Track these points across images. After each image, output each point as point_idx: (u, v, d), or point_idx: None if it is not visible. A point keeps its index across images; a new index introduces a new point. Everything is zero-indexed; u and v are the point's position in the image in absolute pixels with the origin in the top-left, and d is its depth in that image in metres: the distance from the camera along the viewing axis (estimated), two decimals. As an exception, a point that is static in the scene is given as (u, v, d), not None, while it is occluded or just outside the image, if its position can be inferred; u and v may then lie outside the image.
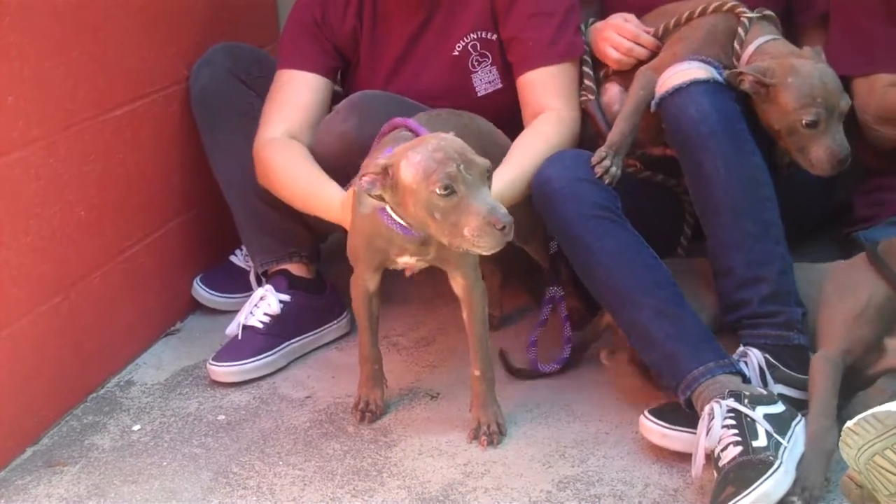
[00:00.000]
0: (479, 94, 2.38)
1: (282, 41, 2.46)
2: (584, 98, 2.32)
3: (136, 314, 2.46)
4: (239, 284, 2.65)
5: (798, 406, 1.94)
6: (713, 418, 1.83)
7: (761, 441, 1.79)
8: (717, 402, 1.85)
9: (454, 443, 2.07)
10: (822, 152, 2.08)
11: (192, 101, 2.53)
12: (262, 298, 2.42)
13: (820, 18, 2.40)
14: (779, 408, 1.87)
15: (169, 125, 2.54)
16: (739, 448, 1.78)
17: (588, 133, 2.32)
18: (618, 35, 2.30)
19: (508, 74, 2.37)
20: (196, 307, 2.67)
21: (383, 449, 2.07)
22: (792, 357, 2.00)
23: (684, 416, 1.93)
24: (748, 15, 2.21)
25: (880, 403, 1.68)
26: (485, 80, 2.38)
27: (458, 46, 2.37)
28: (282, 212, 2.44)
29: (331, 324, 2.51)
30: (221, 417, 2.22)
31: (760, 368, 1.98)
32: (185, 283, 2.64)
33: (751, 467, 1.75)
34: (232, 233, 2.58)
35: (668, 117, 2.09)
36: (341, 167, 2.18)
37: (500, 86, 2.39)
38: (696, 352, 1.94)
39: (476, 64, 2.37)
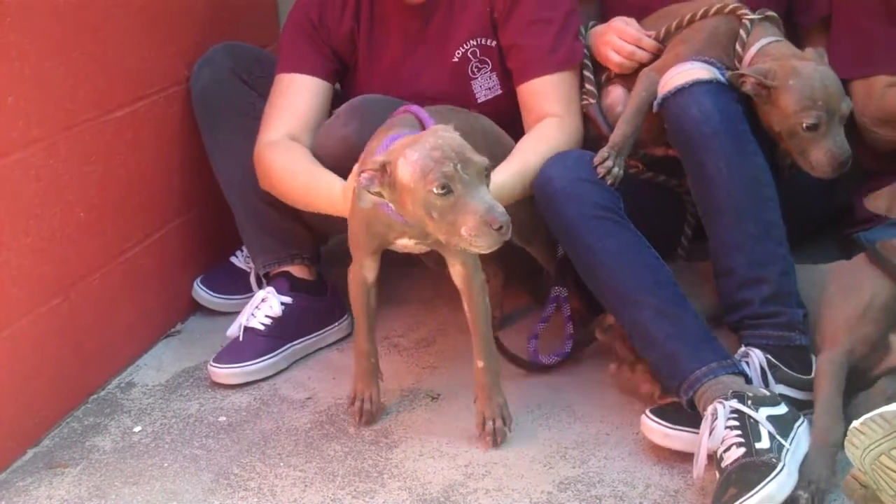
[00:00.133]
0: (478, 101, 2.38)
1: (281, 44, 2.46)
2: (585, 102, 2.32)
3: (136, 315, 2.46)
4: (239, 286, 2.65)
5: (800, 406, 1.94)
6: (716, 419, 1.83)
7: (764, 443, 1.78)
8: (720, 402, 1.85)
9: (455, 444, 2.07)
10: (822, 155, 2.08)
11: (193, 101, 2.52)
12: (263, 300, 2.42)
13: (821, 21, 2.40)
14: (781, 409, 1.86)
15: (169, 126, 2.54)
16: (742, 449, 1.78)
17: (590, 135, 2.32)
18: (619, 39, 2.30)
19: (508, 80, 2.36)
20: (196, 308, 2.66)
21: (384, 450, 2.07)
22: (793, 357, 2.00)
23: (686, 415, 1.93)
24: (750, 17, 2.21)
25: (883, 403, 1.68)
26: (484, 87, 2.38)
27: (458, 53, 2.36)
28: (283, 213, 2.44)
29: (332, 326, 2.51)
30: (222, 419, 2.21)
31: (762, 369, 1.98)
32: (186, 284, 2.64)
33: (754, 469, 1.75)
34: (232, 234, 2.58)
35: (671, 117, 2.09)
36: (342, 171, 2.18)
37: (499, 92, 2.38)
38: (698, 352, 1.94)
39: (476, 70, 2.37)
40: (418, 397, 2.25)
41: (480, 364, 2.04)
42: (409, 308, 2.65)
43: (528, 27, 2.29)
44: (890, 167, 2.36)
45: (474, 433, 2.10)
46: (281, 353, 2.39)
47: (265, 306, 2.41)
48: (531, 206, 2.13)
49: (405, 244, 2.01)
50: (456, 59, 2.37)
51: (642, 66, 2.27)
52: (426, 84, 2.37)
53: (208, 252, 2.69)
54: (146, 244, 2.49)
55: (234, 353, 2.36)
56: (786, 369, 1.99)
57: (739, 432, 1.80)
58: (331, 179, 2.19)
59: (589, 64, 2.35)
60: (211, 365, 2.35)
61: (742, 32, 2.20)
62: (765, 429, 1.81)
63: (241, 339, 2.37)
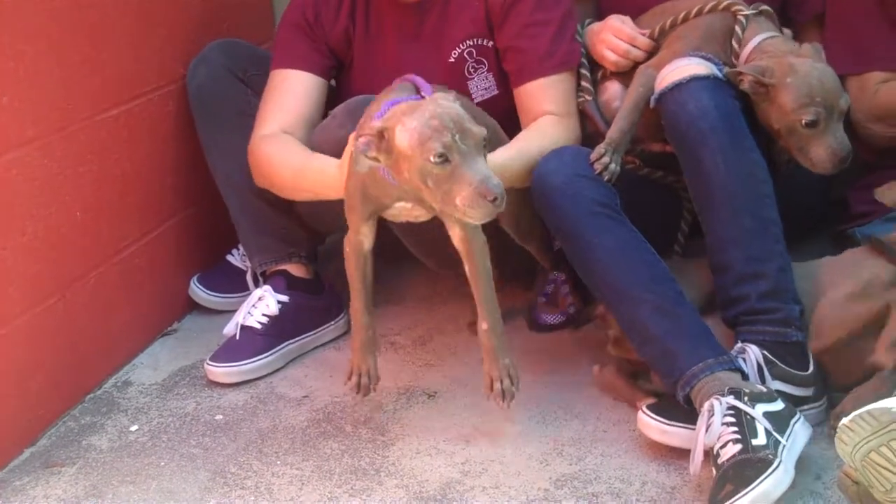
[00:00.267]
0: (475, 101, 2.37)
1: (276, 41, 2.46)
2: (581, 99, 2.32)
3: (132, 314, 2.46)
4: (236, 284, 2.65)
5: (796, 403, 1.94)
6: (713, 415, 1.83)
7: (761, 439, 1.78)
8: (716, 399, 1.85)
9: (452, 442, 2.07)
10: (822, 151, 2.08)
11: (190, 99, 2.52)
12: (260, 299, 2.42)
13: (815, 18, 2.40)
14: (778, 405, 1.87)
15: (165, 125, 2.54)
16: (739, 446, 1.78)
17: (586, 132, 2.32)
18: (615, 37, 2.30)
19: (505, 81, 2.36)
20: (193, 307, 2.66)
21: (381, 448, 2.07)
22: (790, 354, 2.00)
23: (683, 412, 1.93)
24: (744, 12, 2.21)
25: (874, 400, 1.68)
26: (481, 87, 2.38)
27: (454, 53, 2.36)
28: (280, 211, 2.44)
29: (329, 324, 2.51)
30: (219, 417, 2.21)
31: (758, 365, 1.98)
32: (182, 283, 2.64)
33: (750, 466, 1.75)
34: (229, 232, 2.58)
35: (668, 113, 2.09)
36: None
37: (496, 92, 2.38)
38: (695, 348, 1.94)
39: (472, 71, 2.37)
40: (415, 395, 2.25)
41: (485, 326, 2.00)
42: (406, 307, 2.65)
43: (525, 29, 2.29)
44: (884, 162, 2.37)
45: (471, 431, 2.10)
46: (277, 351, 2.39)
47: (262, 305, 2.41)
48: (530, 203, 2.13)
49: (402, 208, 1.98)
50: (452, 60, 2.36)
51: (637, 64, 2.27)
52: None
53: (204, 251, 2.69)
54: (142, 243, 2.48)
55: (230, 351, 2.36)
56: (782, 365, 1.99)
57: (736, 429, 1.80)
58: (324, 160, 2.18)
59: (585, 62, 2.35)
60: (207, 364, 2.35)
61: (737, 28, 2.20)
62: (761, 425, 1.81)
63: (237, 337, 2.37)
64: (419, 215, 2.02)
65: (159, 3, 2.52)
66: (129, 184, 2.43)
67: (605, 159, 2.08)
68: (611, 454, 2.00)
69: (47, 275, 2.17)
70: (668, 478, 1.91)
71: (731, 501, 1.72)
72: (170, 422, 2.21)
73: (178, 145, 2.58)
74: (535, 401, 2.19)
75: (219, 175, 2.51)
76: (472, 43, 2.35)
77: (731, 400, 1.84)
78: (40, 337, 2.15)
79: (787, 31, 2.31)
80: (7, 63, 2.04)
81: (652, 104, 2.13)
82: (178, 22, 2.59)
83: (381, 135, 1.82)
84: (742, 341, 2.02)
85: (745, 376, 1.93)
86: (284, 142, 2.29)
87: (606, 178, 2.08)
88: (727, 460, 1.78)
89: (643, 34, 2.29)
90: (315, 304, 2.48)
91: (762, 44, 2.18)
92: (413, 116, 1.79)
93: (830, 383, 2.04)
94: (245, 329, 2.38)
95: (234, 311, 2.44)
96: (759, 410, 1.83)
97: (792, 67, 2.09)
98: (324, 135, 2.29)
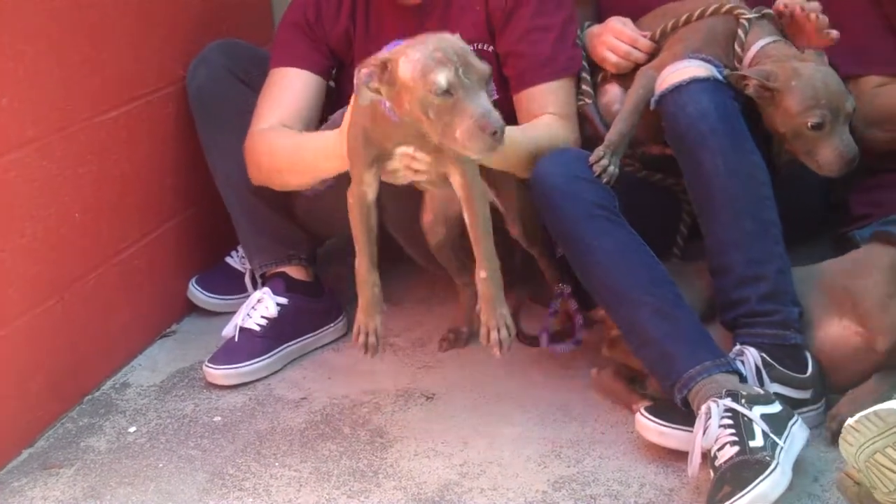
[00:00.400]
0: None
1: (275, 40, 2.45)
2: (581, 102, 2.32)
3: (131, 316, 2.46)
4: (234, 286, 2.64)
5: (794, 405, 1.94)
6: (710, 418, 1.83)
7: (758, 441, 1.78)
8: (713, 401, 1.85)
9: (450, 443, 2.07)
10: (829, 154, 2.09)
11: (190, 100, 2.52)
12: (259, 301, 2.42)
13: None
14: (776, 408, 1.86)
15: (164, 126, 2.54)
16: (736, 448, 1.78)
17: (586, 134, 2.32)
18: (615, 39, 2.30)
19: (505, 85, 2.35)
20: (191, 309, 2.66)
21: (379, 450, 2.07)
22: (788, 356, 2.00)
23: (681, 413, 1.93)
24: (747, 16, 2.21)
25: (871, 402, 1.68)
26: None
27: None
28: (280, 212, 2.44)
29: (328, 326, 2.51)
30: (217, 419, 2.21)
31: (757, 367, 1.98)
32: (181, 284, 2.64)
33: (747, 467, 1.75)
34: (227, 234, 2.58)
35: (668, 115, 2.09)
36: (339, 184, 2.16)
37: (495, 97, 2.36)
38: (693, 351, 1.94)
39: None
40: (413, 397, 2.25)
41: (483, 274, 1.97)
42: (405, 308, 2.65)
43: (526, 34, 2.28)
44: (884, 165, 2.37)
45: (470, 433, 2.10)
46: (276, 354, 2.39)
47: (261, 307, 2.41)
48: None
49: (403, 157, 1.96)
50: None
51: (639, 65, 2.27)
52: None
53: (203, 252, 2.69)
54: (141, 244, 2.49)
55: (229, 353, 2.36)
56: (781, 368, 1.99)
57: (733, 431, 1.80)
58: (323, 133, 2.17)
59: (585, 64, 2.34)
60: (206, 366, 2.35)
61: (740, 32, 2.20)
62: (759, 427, 1.81)
63: (236, 339, 2.37)
64: (419, 170, 1.98)
65: (159, 5, 2.52)
66: (129, 185, 2.43)
67: (604, 161, 2.08)
68: (609, 456, 2.00)
69: (46, 276, 2.17)
70: (667, 480, 1.91)
71: (728, 503, 1.72)
72: (168, 423, 2.21)
73: (177, 147, 2.58)
74: (533, 403, 2.19)
75: (219, 176, 2.51)
76: (473, 48, 2.34)
77: (728, 402, 1.84)
78: (39, 338, 2.15)
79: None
80: (7, 63, 2.05)
81: (652, 106, 2.13)
82: (178, 23, 2.59)
83: (384, 66, 1.80)
84: (741, 344, 2.02)
85: (742, 379, 1.93)
86: (282, 131, 2.28)
87: (605, 180, 2.08)
88: (725, 462, 1.78)
89: (644, 35, 2.29)
90: (314, 307, 2.48)
91: (765, 48, 2.18)
92: (417, 49, 1.79)
93: (830, 385, 2.04)
94: (244, 331, 2.38)
95: (232, 313, 2.44)
96: (756, 412, 1.83)
97: (796, 71, 2.09)
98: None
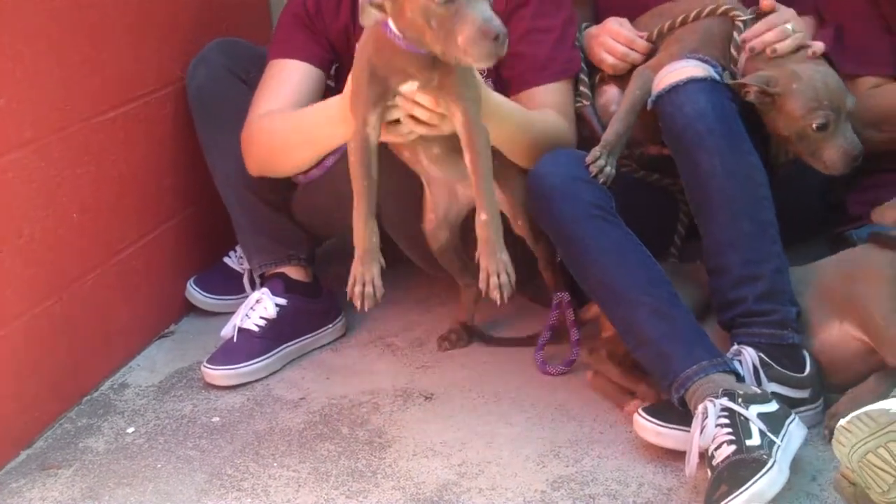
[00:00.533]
0: None
1: (275, 32, 2.43)
2: (579, 104, 2.32)
3: (129, 316, 2.46)
4: (233, 286, 2.65)
5: (792, 404, 1.94)
6: (707, 417, 1.83)
7: (755, 440, 1.78)
8: (710, 401, 1.85)
9: (448, 443, 2.07)
10: (835, 153, 2.10)
11: (190, 100, 2.52)
12: (258, 301, 2.41)
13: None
14: (772, 406, 1.87)
15: (162, 127, 2.54)
16: (733, 447, 1.78)
17: (583, 134, 2.32)
18: (613, 40, 2.30)
19: (504, 87, 2.35)
20: (190, 309, 2.67)
21: (378, 450, 2.07)
22: (786, 356, 2.00)
23: (678, 413, 1.93)
24: (742, 18, 2.21)
25: (870, 401, 1.68)
26: None
27: None
28: (280, 212, 2.44)
29: (327, 327, 2.51)
30: (216, 419, 2.21)
31: (754, 367, 1.98)
32: (179, 285, 2.64)
33: (744, 466, 1.75)
34: (226, 235, 2.58)
35: (665, 115, 2.09)
36: (336, 189, 2.15)
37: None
38: (690, 350, 1.94)
39: None
40: (412, 397, 2.25)
41: (483, 217, 1.95)
42: (403, 308, 2.65)
43: (527, 35, 2.27)
44: (880, 165, 2.37)
45: (468, 433, 2.10)
46: (274, 354, 2.39)
47: (260, 307, 2.41)
48: None
49: (409, 91, 1.94)
50: None
51: (635, 66, 2.27)
52: None
53: (201, 253, 2.69)
54: (139, 245, 2.49)
55: (227, 354, 2.36)
56: (778, 367, 1.99)
57: (730, 430, 1.80)
58: (324, 101, 2.17)
59: (583, 66, 2.35)
60: (204, 366, 2.35)
61: (736, 34, 2.21)
62: (755, 426, 1.81)
63: (234, 340, 2.37)
64: (422, 119, 1.97)
65: (157, 5, 2.52)
66: (127, 186, 2.43)
67: (601, 162, 2.08)
68: (607, 456, 2.00)
69: (44, 277, 2.17)
70: (665, 479, 1.91)
71: (725, 501, 1.72)
72: (166, 424, 2.21)
73: (175, 147, 2.58)
74: (531, 403, 2.19)
75: (218, 175, 2.50)
76: None
77: (724, 401, 1.84)
78: (37, 339, 2.15)
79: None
80: (5, 64, 2.05)
81: (649, 106, 2.13)
82: (176, 25, 2.60)
83: None
84: (738, 343, 2.02)
85: (739, 378, 1.93)
86: (280, 112, 2.27)
87: (602, 180, 2.08)
88: (722, 461, 1.78)
89: (641, 36, 2.29)
90: (313, 308, 2.48)
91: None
92: None
93: (829, 385, 2.04)
94: (242, 331, 2.38)
95: (230, 314, 2.44)
96: (753, 411, 1.83)
97: (795, 74, 2.10)
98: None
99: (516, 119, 2.12)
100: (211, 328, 2.52)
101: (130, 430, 2.19)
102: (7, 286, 2.07)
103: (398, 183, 2.20)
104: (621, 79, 2.30)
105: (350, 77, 1.99)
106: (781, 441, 1.81)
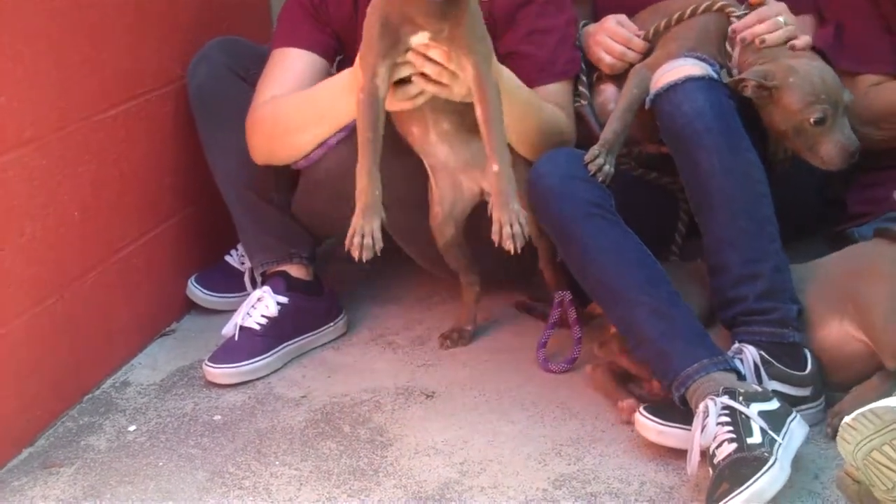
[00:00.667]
0: None
1: (279, 22, 2.42)
2: (577, 104, 2.32)
3: (131, 315, 2.46)
4: (234, 284, 2.64)
5: (793, 402, 1.94)
6: (707, 416, 1.83)
7: (756, 438, 1.78)
8: (711, 399, 1.85)
9: (450, 442, 2.07)
10: (832, 148, 2.10)
11: (190, 98, 2.52)
12: (259, 300, 2.41)
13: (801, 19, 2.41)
14: (773, 404, 1.87)
15: (163, 125, 2.54)
16: (734, 445, 1.78)
17: (581, 134, 2.32)
18: (610, 39, 2.30)
19: None
20: (191, 307, 2.66)
21: (379, 448, 2.07)
22: (787, 354, 2.00)
23: (680, 412, 1.93)
24: (737, 13, 2.21)
25: (875, 399, 1.68)
26: None
27: None
28: (281, 210, 2.44)
29: (328, 325, 2.51)
30: (217, 417, 2.21)
31: (755, 365, 1.98)
32: (180, 283, 2.64)
33: (745, 464, 1.75)
34: (227, 233, 2.58)
35: (663, 114, 2.09)
36: (337, 193, 2.15)
37: None
38: (690, 349, 1.94)
39: None
40: (413, 395, 2.25)
41: (496, 168, 1.95)
42: (404, 306, 2.65)
43: (529, 36, 2.27)
44: (880, 163, 2.37)
45: (469, 431, 2.10)
46: (276, 352, 2.39)
47: (261, 306, 2.41)
48: None
49: (419, 42, 1.94)
50: None
51: (633, 65, 2.27)
52: None
53: (202, 251, 2.69)
54: (140, 243, 2.49)
55: (229, 352, 2.36)
56: (779, 366, 1.99)
57: (731, 428, 1.80)
58: (336, 75, 2.17)
59: (582, 66, 2.35)
60: (206, 364, 2.35)
61: (730, 29, 2.21)
62: (756, 424, 1.81)
63: (236, 338, 2.37)
64: (432, 77, 1.97)
65: (158, 4, 2.52)
66: (128, 184, 2.43)
67: (600, 160, 2.08)
68: (609, 454, 2.00)
69: (45, 275, 2.17)
70: (667, 477, 1.91)
71: (727, 500, 1.72)
72: (168, 422, 2.21)
73: (176, 145, 2.58)
74: (533, 401, 2.19)
75: (219, 174, 2.50)
76: None
77: (725, 400, 1.84)
78: (38, 337, 2.15)
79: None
80: (6, 63, 2.04)
81: (647, 105, 2.13)
82: (177, 24, 2.59)
83: None
84: (739, 342, 2.02)
85: (740, 376, 1.93)
86: (284, 96, 2.27)
87: (601, 179, 2.08)
88: (723, 459, 1.78)
89: (638, 35, 2.29)
90: (314, 306, 2.48)
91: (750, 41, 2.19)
92: None
93: (831, 383, 2.04)
94: (244, 330, 2.38)
95: (231, 312, 2.44)
96: (753, 409, 1.83)
97: (792, 68, 2.10)
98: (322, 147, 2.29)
99: (524, 96, 2.13)
100: (212, 326, 2.52)
101: (132, 428, 2.19)
102: (8, 285, 2.07)
103: (405, 189, 2.20)
104: (619, 77, 2.30)
105: (363, 25, 1.98)
106: (783, 439, 1.81)
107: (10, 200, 2.07)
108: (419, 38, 1.94)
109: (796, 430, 1.86)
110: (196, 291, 2.64)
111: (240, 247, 2.64)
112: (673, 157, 2.11)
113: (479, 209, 2.31)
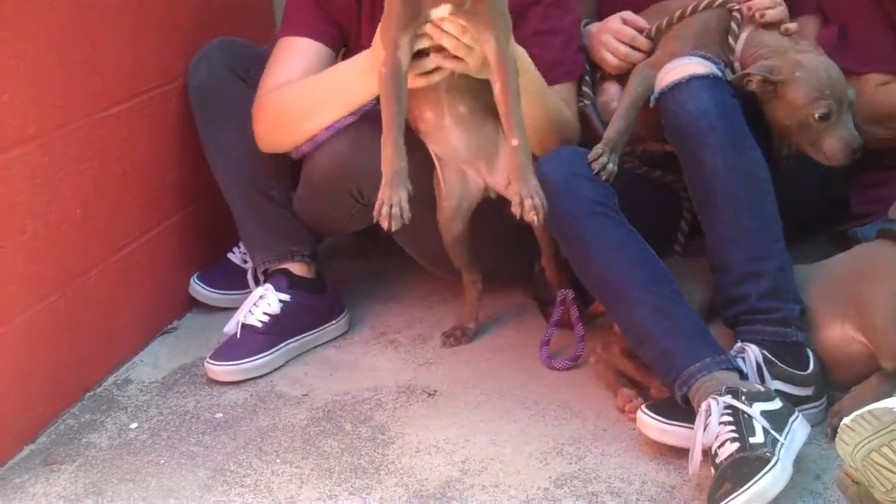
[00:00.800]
0: None
1: (285, 11, 2.42)
2: (581, 103, 2.32)
3: (132, 312, 2.46)
4: (236, 281, 2.64)
5: (795, 402, 1.94)
6: (710, 415, 1.82)
7: (758, 437, 1.78)
8: (713, 398, 1.85)
9: (452, 440, 2.07)
10: (836, 144, 2.10)
11: (190, 98, 2.52)
12: (261, 297, 2.41)
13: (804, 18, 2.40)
14: (776, 404, 1.86)
15: (165, 123, 2.54)
16: (736, 445, 1.78)
17: (586, 131, 2.32)
18: (615, 40, 2.30)
19: None
20: (193, 305, 2.66)
21: (381, 446, 2.07)
22: (789, 353, 2.00)
23: (682, 411, 1.93)
24: (738, 8, 2.21)
25: (873, 399, 1.68)
26: None
27: None
28: (283, 208, 2.43)
29: (330, 323, 2.50)
30: (219, 415, 2.21)
31: (758, 364, 1.98)
32: (183, 280, 2.64)
33: (747, 464, 1.75)
34: (229, 230, 2.58)
35: (667, 113, 2.09)
36: (336, 191, 2.14)
37: None
38: (693, 348, 1.94)
39: None
40: (415, 393, 2.25)
41: (515, 142, 1.96)
42: (407, 304, 2.65)
43: (534, 37, 2.26)
44: (884, 162, 2.37)
45: (471, 429, 2.10)
46: (278, 350, 2.39)
47: (263, 303, 2.41)
48: None
49: (440, 16, 1.94)
50: None
51: (636, 64, 2.27)
52: None
53: (205, 248, 2.69)
54: (142, 241, 2.49)
55: (230, 350, 2.36)
56: (782, 365, 1.99)
57: (733, 427, 1.80)
58: (349, 59, 2.17)
59: (586, 66, 2.34)
60: (208, 362, 2.35)
61: (733, 25, 2.21)
62: (759, 424, 1.80)
63: (238, 335, 2.37)
64: (451, 52, 1.98)
65: (159, 3, 2.52)
66: (130, 182, 2.43)
67: (603, 159, 2.08)
68: (611, 453, 2.00)
69: (47, 273, 2.17)
70: (668, 477, 1.91)
71: (728, 499, 1.72)
72: (169, 420, 2.21)
73: (178, 143, 2.58)
74: (534, 399, 2.19)
75: (220, 173, 2.50)
76: None
77: (728, 399, 1.84)
78: (40, 335, 2.16)
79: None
80: (8, 61, 2.04)
81: (651, 104, 2.13)
82: (179, 22, 2.59)
83: None
84: (741, 341, 2.02)
85: (743, 376, 1.93)
86: (293, 82, 2.26)
87: (604, 177, 2.07)
88: (725, 459, 1.78)
89: (644, 29, 2.29)
90: (317, 304, 2.48)
91: (752, 35, 2.19)
92: None
93: (833, 383, 2.04)
94: (246, 327, 2.38)
95: (233, 310, 2.44)
96: (756, 409, 1.82)
97: (798, 63, 2.10)
98: (321, 149, 2.28)
99: (537, 78, 2.13)
100: (214, 324, 2.52)
101: (133, 425, 2.19)
102: (10, 282, 2.07)
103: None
104: (621, 76, 2.30)
105: (385, 3, 1.99)
106: (785, 439, 1.81)
107: (12, 198, 2.07)
108: (440, 11, 1.94)
109: (798, 430, 1.86)
110: (198, 288, 2.64)
111: (242, 244, 2.64)
112: (676, 156, 2.11)
113: (481, 207, 2.32)
